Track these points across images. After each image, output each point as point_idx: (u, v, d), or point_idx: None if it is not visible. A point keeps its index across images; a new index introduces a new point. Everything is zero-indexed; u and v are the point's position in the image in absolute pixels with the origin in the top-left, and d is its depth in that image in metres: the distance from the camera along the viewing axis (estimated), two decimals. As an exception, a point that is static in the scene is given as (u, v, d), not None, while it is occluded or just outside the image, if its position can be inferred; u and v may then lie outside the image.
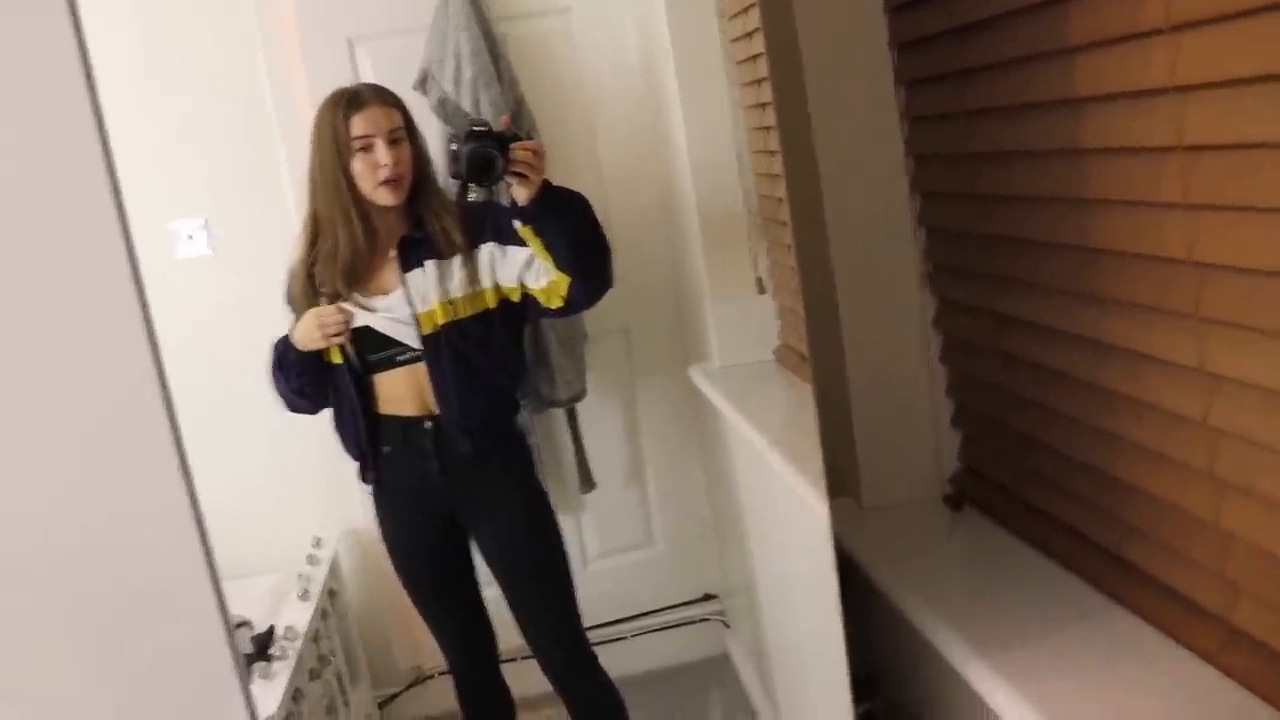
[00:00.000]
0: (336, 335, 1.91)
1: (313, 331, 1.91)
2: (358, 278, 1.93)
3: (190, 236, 2.59)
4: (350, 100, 1.87)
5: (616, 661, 2.49)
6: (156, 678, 1.30)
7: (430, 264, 1.91)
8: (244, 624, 2.32)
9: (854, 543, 1.81)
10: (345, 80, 2.48)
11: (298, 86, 2.49)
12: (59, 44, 1.15)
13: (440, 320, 1.91)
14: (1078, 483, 1.57)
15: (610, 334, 2.68)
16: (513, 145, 1.71)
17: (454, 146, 1.73)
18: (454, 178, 1.80)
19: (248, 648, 2.18)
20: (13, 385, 1.17)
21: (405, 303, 1.91)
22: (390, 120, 1.87)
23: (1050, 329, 1.55)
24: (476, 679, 2.25)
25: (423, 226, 1.93)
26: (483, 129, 1.73)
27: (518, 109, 2.47)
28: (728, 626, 2.84)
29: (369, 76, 2.49)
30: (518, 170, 1.71)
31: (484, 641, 2.22)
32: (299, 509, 2.67)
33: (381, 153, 1.84)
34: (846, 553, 1.79)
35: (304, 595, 2.35)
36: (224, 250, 2.59)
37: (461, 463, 1.99)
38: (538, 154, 1.73)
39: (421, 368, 1.94)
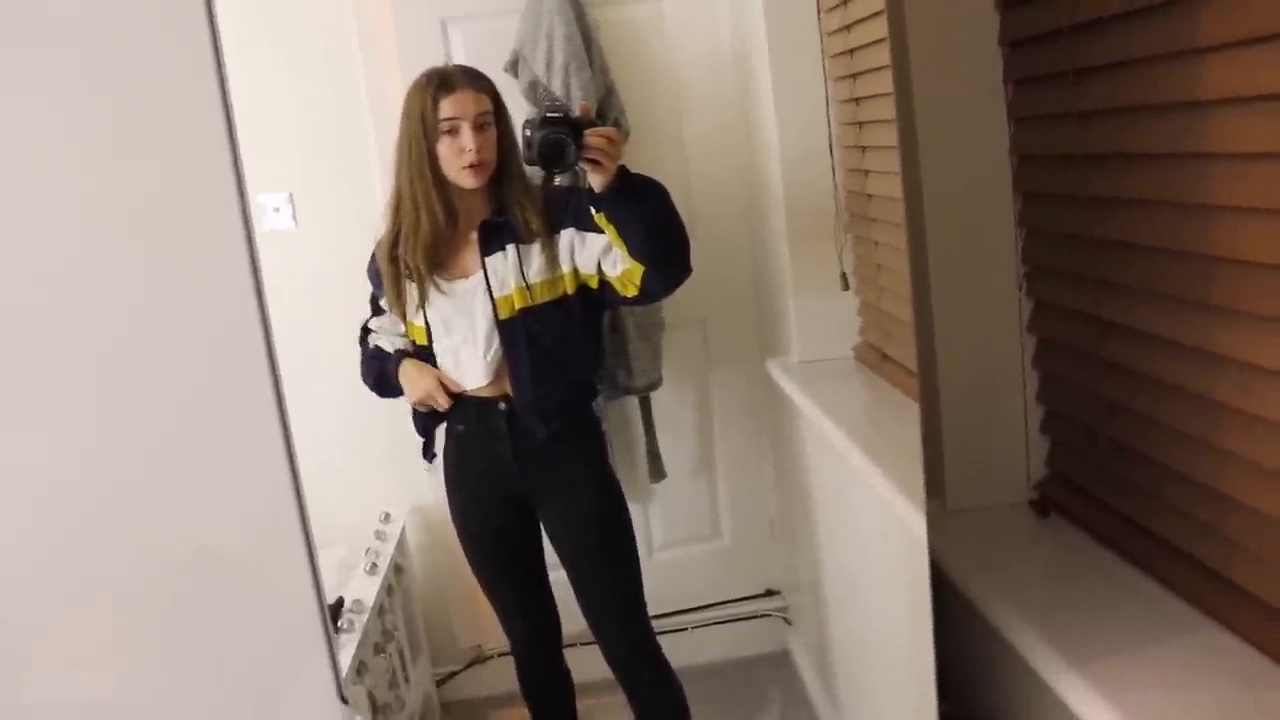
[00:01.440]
0: (429, 407, 2.06)
1: (416, 391, 2.04)
2: (439, 259, 1.94)
3: (276, 210, 2.62)
4: (441, 82, 1.87)
5: (676, 653, 2.48)
6: (246, 645, 1.32)
7: (510, 248, 1.92)
8: (314, 594, 2.34)
9: (936, 545, 1.77)
10: (437, 60, 2.49)
11: (389, 65, 2.52)
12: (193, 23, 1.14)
13: (517, 305, 1.92)
14: (1175, 494, 1.53)
15: (688, 324, 2.67)
16: (587, 131, 1.69)
17: (528, 132, 1.72)
18: (527, 164, 1.81)
19: (318, 617, 2.21)
20: (126, 358, 1.19)
21: (484, 287, 1.91)
22: (479, 104, 1.87)
23: (1155, 336, 1.52)
24: (539, 663, 2.25)
25: (504, 211, 1.93)
26: (557, 114, 1.71)
27: (607, 95, 2.47)
28: (789, 623, 2.82)
29: (461, 58, 2.49)
30: (591, 157, 1.70)
31: (548, 625, 2.22)
32: (369, 484, 2.69)
33: (467, 137, 1.84)
34: (933, 556, 1.77)
35: (371, 569, 2.37)
36: (308, 225, 2.62)
37: (535, 446, 2.00)
38: (613, 140, 1.71)
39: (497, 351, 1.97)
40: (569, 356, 1.99)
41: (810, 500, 2.40)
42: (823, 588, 2.40)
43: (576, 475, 2.07)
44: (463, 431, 2.06)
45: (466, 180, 1.87)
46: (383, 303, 2.06)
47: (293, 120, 2.56)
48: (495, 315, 1.93)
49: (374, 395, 2.59)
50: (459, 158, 1.85)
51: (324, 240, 2.60)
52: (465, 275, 1.95)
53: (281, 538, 1.25)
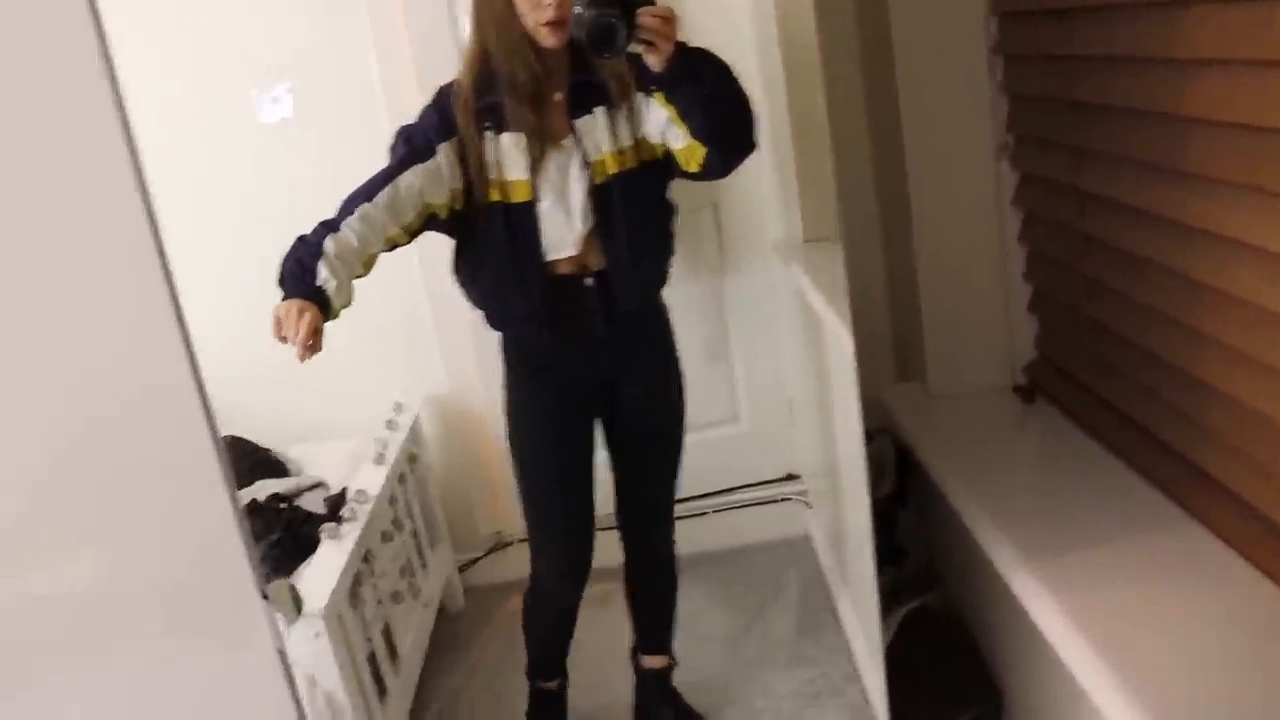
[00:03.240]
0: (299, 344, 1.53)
1: (289, 319, 1.53)
2: (540, 115, 1.76)
3: (275, 100, 2.58)
4: None
5: (697, 536, 2.47)
6: (151, 537, 1.30)
7: (599, 110, 1.77)
8: (319, 485, 2.39)
9: (916, 430, 1.71)
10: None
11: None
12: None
13: (611, 170, 1.78)
14: (1156, 381, 1.43)
15: (700, 206, 2.58)
16: (639, 10, 1.55)
17: (577, 9, 1.57)
18: (576, 42, 1.63)
19: (320, 508, 2.25)
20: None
21: (577, 150, 1.77)
22: None
23: (1133, 209, 1.39)
24: (563, 599, 2.07)
25: (591, 69, 1.77)
26: None
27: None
28: (809, 507, 2.78)
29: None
30: (645, 38, 1.55)
31: (586, 556, 2.04)
32: (383, 375, 2.70)
33: None
34: (908, 441, 1.70)
35: (379, 459, 2.38)
36: (307, 114, 2.58)
37: (623, 322, 1.86)
38: (667, 20, 1.56)
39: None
40: (659, 224, 1.89)
41: (825, 383, 2.33)
42: (838, 473, 2.35)
43: (659, 352, 1.98)
44: (544, 316, 1.85)
45: (545, 38, 1.71)
46: (437, 158, 1.76)
47: (287, 7, 2.50)
48: (591, 180, 1.78)
49: (383, 284, 2.59)
50: (537, 11, 1.69)
51: (323, 129, 2.55)
52: (554, 138, 1.78)
53: (178, 418, 1.21)
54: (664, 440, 2.00)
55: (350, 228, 1.67)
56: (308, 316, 1.52)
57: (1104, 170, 1.46)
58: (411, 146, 1.78)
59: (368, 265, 1.72)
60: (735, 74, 1.65)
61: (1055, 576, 1.30)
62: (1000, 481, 1.56)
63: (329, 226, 1.68)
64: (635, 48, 1.58)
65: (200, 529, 1.27)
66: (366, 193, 1.72)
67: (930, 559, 1.78)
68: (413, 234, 1.78)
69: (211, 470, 1.24)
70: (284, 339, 1.53)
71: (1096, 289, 1.53)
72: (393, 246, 1.77)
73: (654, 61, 1.59)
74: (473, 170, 1.77)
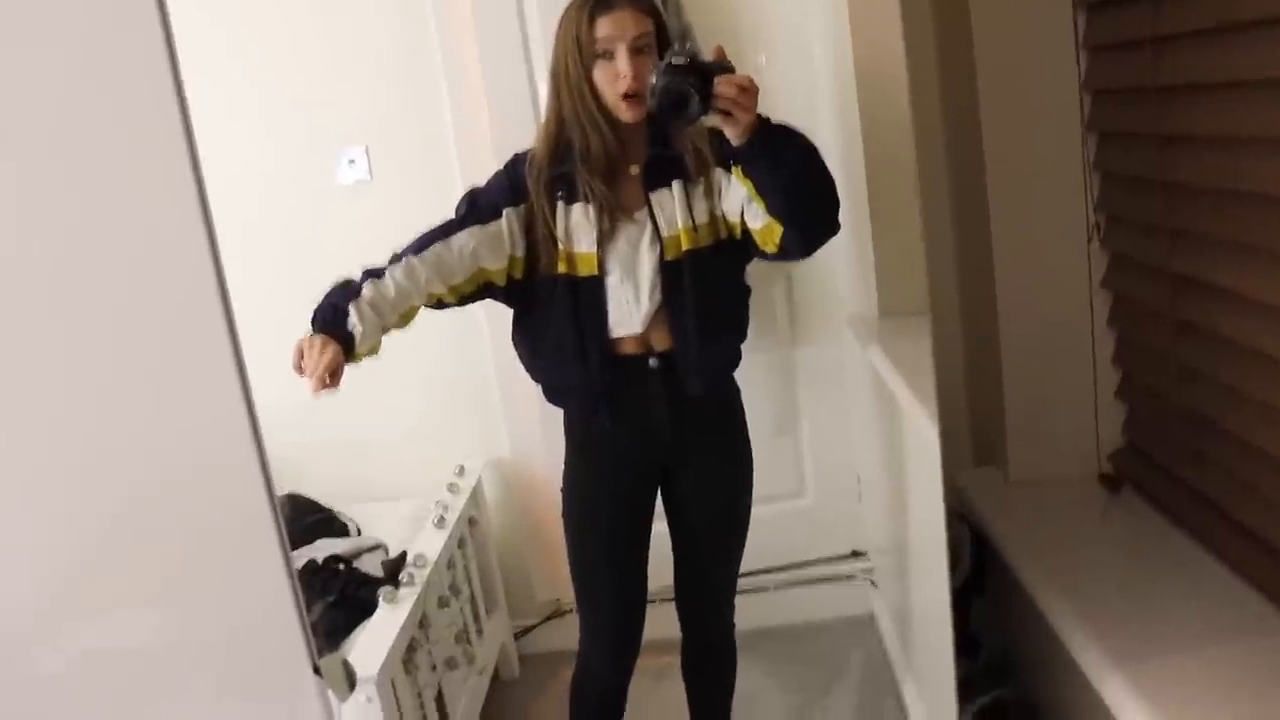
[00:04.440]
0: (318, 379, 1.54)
1: (311, 353, 1.56)
2: (612, 191, 1.73)
3: (352, 161, 2.61)
4: (599, 1, 1.68)
5: (758, 612, 2.41)
6: (208, 610, 1.29)
7: (676, 185, 1.73)
8: (378, 546, 2.37)
9: (995, 517, 1.64)
10: (509, 10, 2.44)
11: (461, 13, 2.47)
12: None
13: (685, 246, 1.73)
14: (1253, 473, 1.35)
15: (770, 278, 2.55)
16: (717, 79, 1.49)
17: (651, 79, 1.53)
18: (649, 114, 1.60)
19: (378, 571, 2.22)
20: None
21: (649, 225, 1.74)
22: (639, 26, 1.66)
23: (1230, 293, 1.33)
24: (612, 682, 2.02)
25: (669, 143, 1.73)
26: (682, 61, 1.51)
27: (683, 36, 2.34)
28: (875, 585, 2.70)
29: (532, 6, 2.42)
30: (722, 108, 1.49)
31: (636, 639, 1.98)
32: (448, 437, 2.69)
33: (623, 62, 1.65)
34: (986, 528, 1.63)
35: (439, 523, 2.36)
36: (384, 177, 2.61)
37: (688, 406, 1.81)
38: (746, 90, 1.49)
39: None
40: (731, 306, 1.84)
41: (899, 464, 2.27)
42: (907, 551, 2.28)
43: (724, 438, 1.91)
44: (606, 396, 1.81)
45: (624, 113, 1.67)
46: (500, 221, 1.75)
47: (366, 72, 2.54)
48: (662, 256, 1.74)
49: (451, 347, 2.60)
50: (615, 84, 1.66)
51: (400, 191, 2.58)
52: (627, 211, 1.75)
53: (237, 482, 1.20)
54: (726, 530, 1.94)
55: (392, 277, 1.68)
56: (329, 352, 1.53)
57: (1199, 253, 1.40)
58: (474, 207, 1.77)
59: (405, 318, 1.71)
60: (819, 152, 1.58)
61: (1148, 683, 1.22)
62: (1085, 575, 1.49)
63: (372, 274, 1.69)
64: (713, 119, 1.53)
65: (255, 595, 1.25)
66: (417, 246, 1.72)
67: (1006, 651, 1.70)
68: (463, 297, 1.76)
69: (268, 537, 1.22)
70: (301, 371, 1.54)
71: (1190, 375, 1.47)
72: (439, 304, 1.75)
73: (732, 133, 1.53)
74: (540, 239, 1.74)
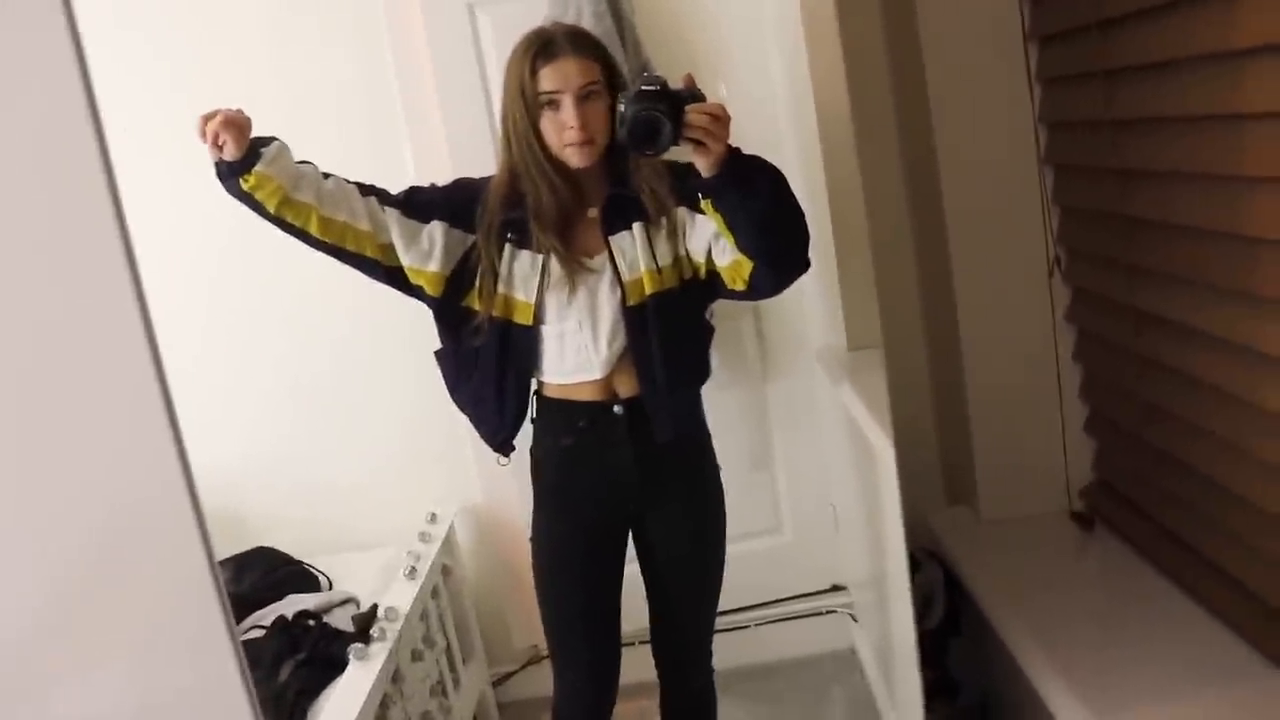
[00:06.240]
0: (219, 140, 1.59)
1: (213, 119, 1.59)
2: (565, 237, 1.71)
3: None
4: (540, 50, 1.66)
5: (737, 651, 2.37)
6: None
7: (637, 227, 1.70)
8: (349, 600, 2.33)
9: (967, 558, 1.62)
10: (465, 46, 2.43)
11: (418, 53, 2.45)
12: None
13: (648, 290, 1.70)
14: (1221, 510, 1.33)
15: (739, 312, 2.53)
16: (688, 107, 1.45)
17: (621, 107, 1.49)
18: (619, 142, 1.55)
19: (349, 625, 2.18)
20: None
21: (609, 269, 1.71)
22: (584, 74, 1.64)
23: (1191, 329, 1.31)
24: None
25: (628, 184, 1.70)
26: (653, 88, 1.48)
27: (644, 71, 2.34)
28: (855, 620, 2.67)
29: (489, 42, 2.40)
30: (693, 137, 1.45)
31: (610, 694, 1.95)
32: (419, 484, 2.65)
33: (569, 112, 1.63)
34: (959, 569, 1.60)
35: (411, 573, 2.32)
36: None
37: (656, 452, 1.77)
38: (718, 119, 1.45)
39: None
40: (696, 348, 1.80)
41: (872, 498, 2.25)
42: (885, 583, 2.25)
43: (695, 483, 1.87)
44: (570, 446, 1.79)
45: (572, 159, 1.65)
46: (428, 227, 1.74)
47: (324, 111, 2.51)
48: (624, 301, 1.71)
49: (418, 394, 2.55)
50: (563, 133, 1.64)
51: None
52: (587, 255, 1.72)
53: (176, 553, 1.17)
54: (700, 575, 1.89)
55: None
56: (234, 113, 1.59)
57: (1157, 288, 1.39)
58: (409, 199, 1.75)
59: (294, 204, 1.67)
60: (788, 184, 1.55)
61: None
62: (1060, 620, 1.46)
63: None
64: (684, 148, 1.49)
65: (200, 667, 1.22)
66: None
67: (985, 693, 1.67)
68: (324, 237, 1.71)
69: (211, 608, 1.19)
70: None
71: (1154, 411, 1.45)
72: (303, 230, 1.70)
73: (703, 164, 1.49)
74: (481, 275, 1.72)
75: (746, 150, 1.52)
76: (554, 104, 1.63)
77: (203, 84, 2.45)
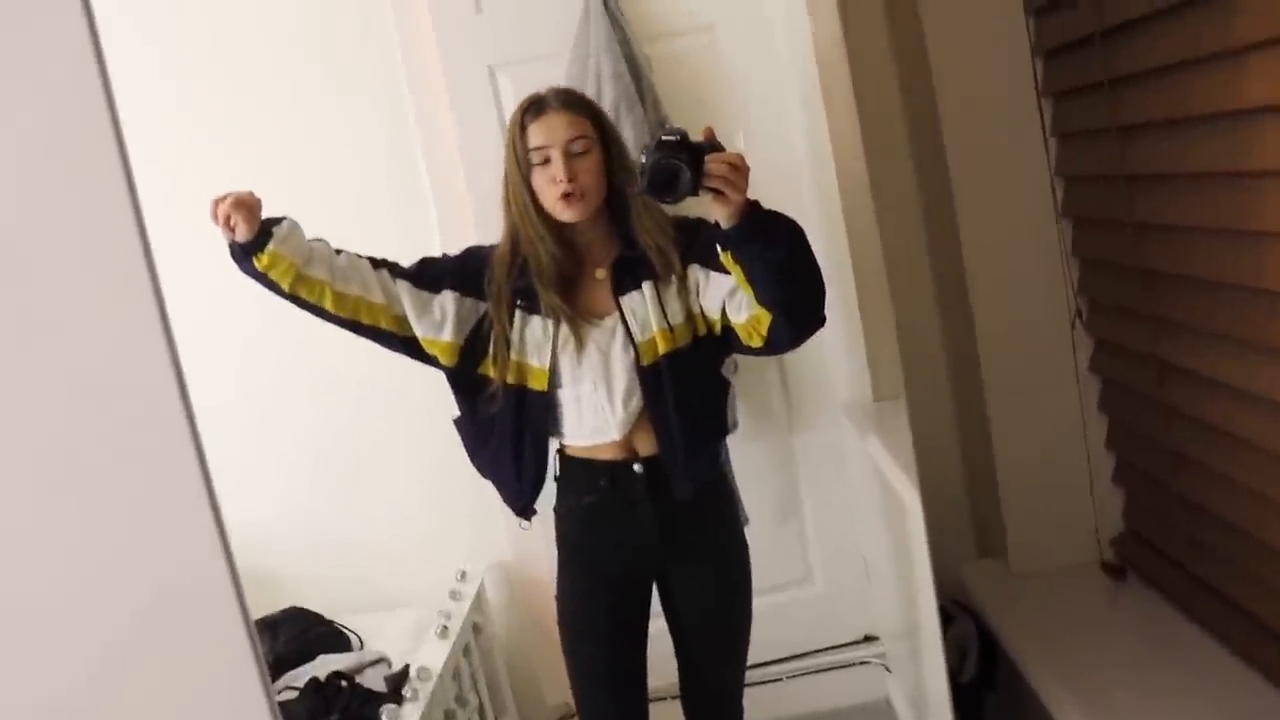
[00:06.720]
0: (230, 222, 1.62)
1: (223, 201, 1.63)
2: (573, 299, 1.73)
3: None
4: (530, 108, 1.71)
5: (769, 705, 2.36)
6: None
7: (647, 286, 1.71)
8: (380, 660, 2.33)
9: (999, 611, 1.61)
10: (488, 108, 2.48)
11: (441, 114, 2.49)
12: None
13: (661, 349, 1.70)
14: (1252, 560, 1.33)
15: (764, 362, 2.54)
16: (708, 157, 1.46)
17: (642, 158, 1.51)
18: (639, 193, 1.59)
19: (381, 686, 2.19)
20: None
21: (621, 330, 1.72)
22: (573, 129, 1.68)
23: (1214, 381, 1.32)
24: None
25: (634, 244, 1.72)
26: (673, 138, 1.50)
27: (663, 125, 2.37)
28: (889, 671, 2.65)
29: (511, 102, 2.45)
30: (713, 186, 1.46)
31: None
32: (448, 542, 2.66)
33: (557, 167, 1.66)
34: (991, 623, 1.60)
35: (442, 633, 2.33)
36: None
37: (677, 510, 1.77)
38: (738, 169, 1.46)
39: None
40: (713, 405, 1.80)
41: (901, 550, 2.24)
42: (919, 634, 2.23)
43: (717, 539, 1.87)
44: (591, 504, 1.80)
45: (562, 213, 1.68)
46: (439, 296, 1.77)
47: (348, 174, 2.56)
48: (637, 362, 1.72)
49: (444, 451, 2.57)
50: (552, 187, 1.67)
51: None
52: (598, 316, 1.74)
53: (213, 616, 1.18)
54: (726, 631, 1.90)
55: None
56: (244, 194, 1.61)
57: (1178, 339, 1.39)
58: (420, 270, 1.78)
59: (306, 279, 1.68)
60: (807, 239, 1.55)
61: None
62: (1092, 669, 1.45)
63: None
64: (703, 200, 1.50)
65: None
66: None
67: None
68: (339, 312, 1.72)
69: (253, 683, 1.20)
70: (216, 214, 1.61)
71: (1181, 461, 1.45)
72: (318, 306, 1.72)
73: (723, 214, 1.50)
74: (494, 342, 1.74)
75: (765, 206, 1.55)
76: (545, 160, 1.67)
77: (229, 151, 2.52)
